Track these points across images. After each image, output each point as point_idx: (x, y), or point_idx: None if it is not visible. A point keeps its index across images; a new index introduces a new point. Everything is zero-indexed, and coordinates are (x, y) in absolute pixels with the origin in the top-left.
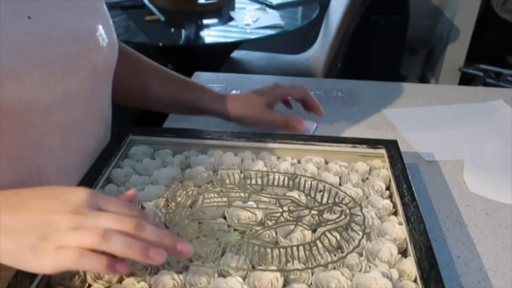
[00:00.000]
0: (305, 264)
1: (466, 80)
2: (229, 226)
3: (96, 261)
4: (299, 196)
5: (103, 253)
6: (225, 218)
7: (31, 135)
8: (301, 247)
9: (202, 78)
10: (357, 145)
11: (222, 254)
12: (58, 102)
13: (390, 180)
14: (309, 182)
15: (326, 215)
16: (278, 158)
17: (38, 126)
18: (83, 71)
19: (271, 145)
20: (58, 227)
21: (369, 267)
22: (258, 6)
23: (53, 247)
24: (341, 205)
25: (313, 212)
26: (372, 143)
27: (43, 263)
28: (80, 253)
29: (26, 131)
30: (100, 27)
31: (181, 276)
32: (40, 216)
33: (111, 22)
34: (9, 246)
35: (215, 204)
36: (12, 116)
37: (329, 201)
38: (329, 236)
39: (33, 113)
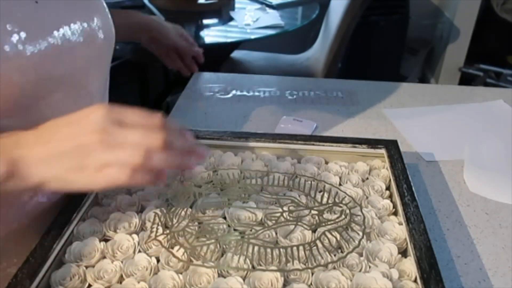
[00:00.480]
0: (305, 264)
1: (466, 80)
2: (229, 226)
3: (144, 176)
4: (299, 196)
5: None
6: (225, 218)
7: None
8: (301, 247)
9: (202, 78)
10: (357, 145)
11: (222, 254)
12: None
13: (390, 180)
14: (309, 182)
15: (326, 215)
16: (278, 158)
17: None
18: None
19: (271, 145)
20: (92, 148)
21: (369, 267)
22: (258, 6)
23: (97, 166)
24: (341, 205)
25: (313, 212)
26: (372, 143)
27: (94, 181)
28: (132, 169)
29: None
30: (96, 19)
31: (181, 276)
32: (71, 141)
33: (109, 16)
34: (55, 172)
35: (215, 204)
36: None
37: (329, 201)
38: (329, 236)
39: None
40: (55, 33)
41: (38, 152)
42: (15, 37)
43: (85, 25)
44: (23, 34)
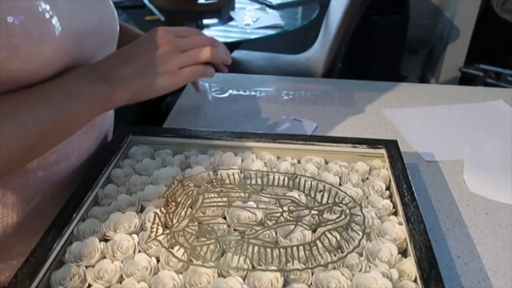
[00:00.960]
0: (305, 264)
1: (466, 80)
2: (229, 226)
3: (210, 69)
4: (299, 196)
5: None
6: (225, 218)
7: None
8: (301, 247)
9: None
10: (357, 145)
11: (222, 254)
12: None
13: (390, 180)
14: (309, 182)
15: (326, 215)
16: (278, 158)
17: None
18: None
19: (270, 145)
20: (169, 56)
21: (369, 267)
22: (258, 6)
23: (177, 68)
24: (341, 205)
25: (313, 212)
26: (372, 143)
27: (177, 81)
28: (204, 66)
29: None
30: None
31: (181, 276)
32: (150, 55)
33: (113, 9)
34: (144, 82)
35: (215, 204)
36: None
37: (329, 201)
38: (329, 236)
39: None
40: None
41: (127, 69)
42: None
43: (96, 21)
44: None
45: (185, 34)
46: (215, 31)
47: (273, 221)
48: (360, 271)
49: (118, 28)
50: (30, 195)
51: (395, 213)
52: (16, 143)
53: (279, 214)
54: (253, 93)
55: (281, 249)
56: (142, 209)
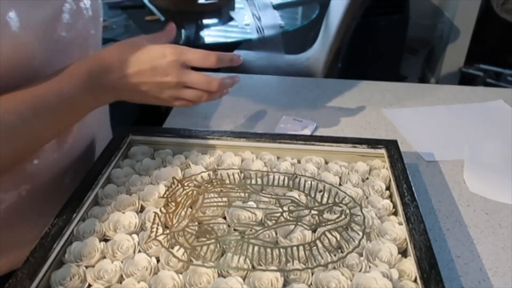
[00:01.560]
0: (305, 264)
1: (466, 80)
2: (229, 226)
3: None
4: (299, 196)
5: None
6: (225, 218)
7: None
8: (301, 247)
9: None
10: (357, 145)
11: (222, 254)
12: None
13: (390, 180)
14: (309, 182)
15: (326, 215)
16: (278, 158)
17: None
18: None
19: (271, 145)
20: (168, 87)
21: (369, 267)
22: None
23: (171, 98)
24: (341, 205)
25: (313, 212)
26: (372, 143)
27: (166, 104)
28: (195, 102)
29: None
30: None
31: (181, 276)
32: (152, 80)
33: None
34: (138, 98)
35: (215, 204)
36: None
37: (329, 201)
38: (329, 236)
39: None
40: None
41: (126, 84)
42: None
43: (74, 6)
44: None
45: (197, 64)
46: (215, 31)
47: (273, 221)
48: (360, 271)
49: (100, 16)
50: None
51: (395, 213)
52: (6, 147)
53: (279, 214)
54: (253, 93)
55: (281, 249)
56: (142, 209)
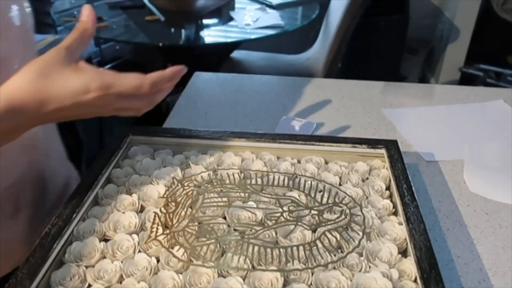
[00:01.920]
0: (305, 264)
1: (466, 80)
2: (229, 226)
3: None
4: (299, 196)
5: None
6: (225, 218)
7: None
8: (301, 247)
9: (202, 78)
10: (357, 145)
11: (222, 254)
12: None
13: (390, 180)
14: (309, 182)
15: (326, 215)
16: (278, 158)
17: None
18: None
19: (271, 145)
20: (105, 112)
21: (369, 267)
22: (258, 6)
23: (111, 113)
24: (341, 205)
25: (313, 212)
26: (372, 143)
27: (107, 115)
28: (134, 115)
29: None
30: (14, 7)
31: (181, 276)
32: (84, 114)
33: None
34: (75, 117)
35: (215, 204)
36: None
37: (329, 201)
38: (329, 236)
39: None
40: None
41: (50, 120)
42: None
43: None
44: None
45: (129, 94)
46: (215, 31)
47: (273, 221)
48: (360, 271)
49: (30, 25)
50: None
51: (395, 213)
52: None
53: (279, 214)
54: (253, 93)
55: (281, 249)
56: (142, 209)
